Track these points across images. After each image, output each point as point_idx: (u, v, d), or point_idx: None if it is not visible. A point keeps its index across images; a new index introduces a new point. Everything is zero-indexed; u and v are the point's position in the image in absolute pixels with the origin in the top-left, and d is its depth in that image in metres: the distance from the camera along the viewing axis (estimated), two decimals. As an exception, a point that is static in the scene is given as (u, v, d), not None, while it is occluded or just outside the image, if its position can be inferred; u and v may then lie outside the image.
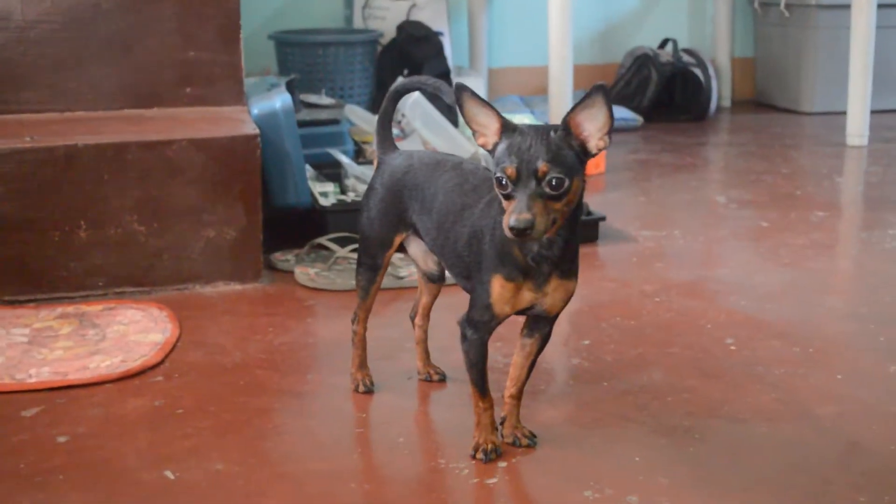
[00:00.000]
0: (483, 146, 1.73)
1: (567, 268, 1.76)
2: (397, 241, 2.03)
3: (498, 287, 1.75)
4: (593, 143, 1.68)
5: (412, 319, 2.20)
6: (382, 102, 2.09)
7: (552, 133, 1.66)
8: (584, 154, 1.68)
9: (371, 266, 2.07)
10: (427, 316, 2.19)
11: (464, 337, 1.82)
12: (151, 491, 1.77)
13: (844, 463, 1.84)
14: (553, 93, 4.27)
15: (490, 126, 1.72)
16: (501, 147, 1.68)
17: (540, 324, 1.86)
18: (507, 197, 1.65)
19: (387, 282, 2.76)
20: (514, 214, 1.62)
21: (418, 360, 2.20)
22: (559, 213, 1.65)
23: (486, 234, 1.78)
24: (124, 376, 2.21)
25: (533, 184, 1.63)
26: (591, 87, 1.66)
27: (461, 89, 1.72)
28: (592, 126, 1.67)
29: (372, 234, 2.05)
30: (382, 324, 2.45)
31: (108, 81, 3.05)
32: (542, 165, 1.63)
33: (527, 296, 1.76)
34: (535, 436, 1.91)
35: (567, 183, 1.64)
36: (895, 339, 2.42)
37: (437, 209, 1.91)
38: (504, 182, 1.65)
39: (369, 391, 2.14)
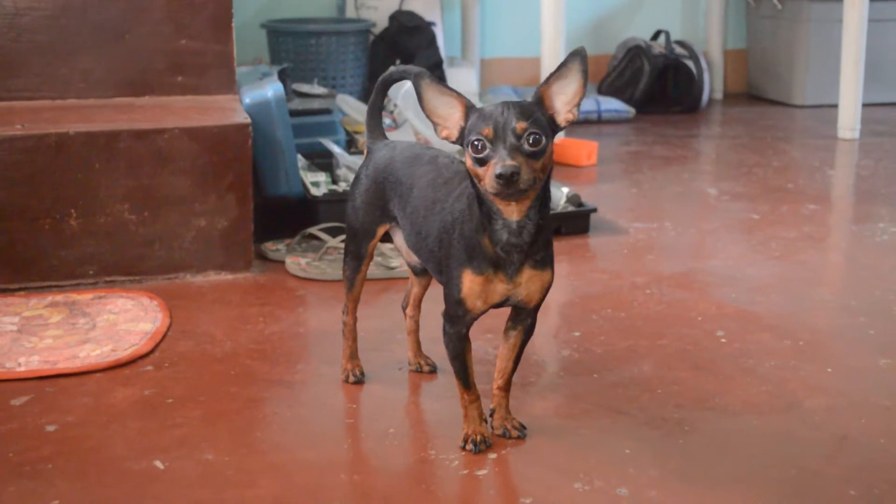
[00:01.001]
0: (447, 139, 1.71)
1: (540, 257, 1.75)
2: (380, 231, 2.03)
3: (467, 282, 1.74)
4: (561, 118, 1.70)
5: (404, 310, 2.20)
6: (372, 93, 2.09)
7: (524, 101, 1.68)
8: (553, 125, 1.69)
9: (356, 255, 2.07)
10: (418, 306, 2.18)
11: (444, 330, 1.82)
12: (140, 480, 1.76)
13: (834, 456, 1.85)
14: (545, 84, 4.25)
15: (452, 116, 1.71)
16: (471, 121, 1.67)
17: (521, 315, 1.85)
18: (483, 161, 1.63)
19: (378, 272, 2.76)
20: (499, 163, 1.60)
21: (409, 350, 2.20)
22: (537, 174, 1.65)
23: (454, 228, 1.77)
24: (114, 365, 2.21)
25: (512, 139, 1.62)
26: (569, 53, 1.67)
27: (419, 76, 1.70)
28: (560, 101, 1.69)
29: (357, 223, 2.05)
30: (373, 314, 2.45)
31: (99, 69, 3.05)
32: (519, 123, 1.63)
33: (499, 288, 1.75)
34: (524, 427, 1.91)
35: (544, 141, 1.64)
36: (885, 332, 2.42)
37: (411, 203, 1.91)
38: (480, 145, 1.63)
39: (359, 381, 2.14)
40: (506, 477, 1.80)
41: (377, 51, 4.72)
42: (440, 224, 1.81)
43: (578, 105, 1.69)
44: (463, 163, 1.91)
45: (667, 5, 5.76)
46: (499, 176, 1.59)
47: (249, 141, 2.76)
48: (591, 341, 2.36)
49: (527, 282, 1.76)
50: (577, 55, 1.67)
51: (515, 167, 1.59)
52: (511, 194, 1.63)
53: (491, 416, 1.92)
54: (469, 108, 1.70)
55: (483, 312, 1.79)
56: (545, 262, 1.77)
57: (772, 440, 1.90)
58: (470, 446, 1.84)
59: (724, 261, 3.00)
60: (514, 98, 4.73)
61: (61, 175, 2.65)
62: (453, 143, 1.71)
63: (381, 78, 2.05)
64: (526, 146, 1.63)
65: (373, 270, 2.73)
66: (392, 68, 2.04)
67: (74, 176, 2.66)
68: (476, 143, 1.64)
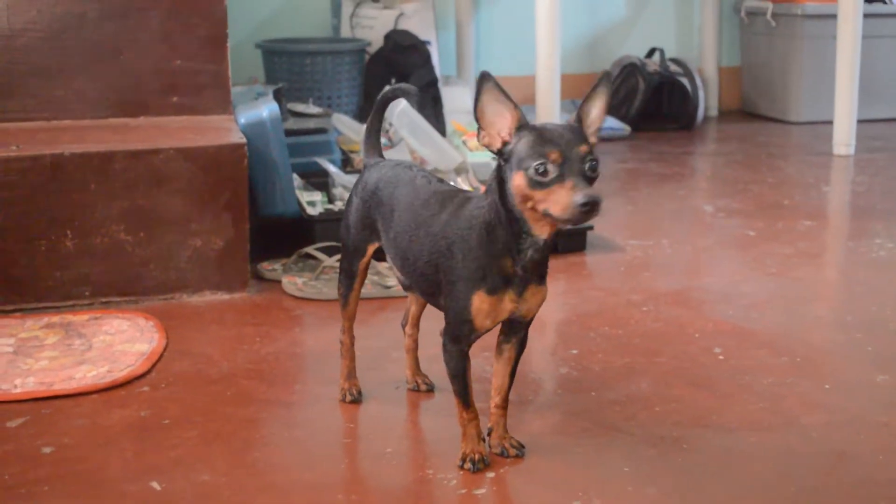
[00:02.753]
0: (488, 146, 1.68)
1: (543, 272, 1.78)
2: (370, 249, 2.03)
3: (478, 302, 1.74)
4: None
5: (403, 328, 2.20)
6: (371, 111, 2.10)
7: (575, 124, 1.69)
8: None
9: (349, 273, 2.07)
10: (417, 324, 2.18)
11: (445, 348, 1.82)
12: (137, 502, 1.75)
13: (833, 473, 1.84)
14: (540, 102, 4.26)
15: (499, 125, 1.68)
16: (526, 140, 1.64)
17: (515, 328, 1.85)
18: (546, 185, 1.61)
19: (374, 291, 2.75)
20: (581, 192, 1.58)
21: (407, 368, 2.20)
22: None
23: (454, 250, 1.76)
24: (110, 386, 2.20)
25: (577, 167, 1.62)
26: (601, 75, 1.72)
27: (483, 78, 1.67)
28: (588, 124, 1.71)
29: (349, 241, 2.06)
30: (370, 333, 2.44)
31: (94, 90, 3.05)
32: (583, 147, 1.63)
33: (508, 305, 1.76)
34: (522, 446, 1.91)
35: (599, 167, 1.65)
36: (882, 348, 2.42)
37: (394, 228, 1.91)
38: (543, 169, 1.61)
39: (357, 401, 2.13)
40: (504, 496, 1.79)
41: (372, 70, 4.73)
42: (431, 247, 1.81)
43: (600, 129, 1.71)
44: (442, 181, 1.92)
45: (661, 23, 5.78)
46: (584, 204, 1.58)
47: (245, 161, 2.76)
48: (588, 359, 2.35)
49: (530, 297, 1.77)
50: (603, 78, 1.70)
51: (600, 197, 1.58)
52: (588, 219, 1.62)
53: (489, 434, 1.91)
54: (522, 123, 1.68)
55: (488, 330, 1.79)
56: (545, 276, 1.79)
57: (770, 457, 1.89)
58: (468, 465, 1.84)
59: (720, 278, 3.00)
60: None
61: (57, 196, 2.65)
62: (493, 152, 1.69)
63: (379, 96, 2.07)
64: (588, 171, 1.63)
65: (369, 290, 2.73)
66: (388, 87, 2.06)
67: (70, 197, 2.66)
68: (539, 167, 1.61)
